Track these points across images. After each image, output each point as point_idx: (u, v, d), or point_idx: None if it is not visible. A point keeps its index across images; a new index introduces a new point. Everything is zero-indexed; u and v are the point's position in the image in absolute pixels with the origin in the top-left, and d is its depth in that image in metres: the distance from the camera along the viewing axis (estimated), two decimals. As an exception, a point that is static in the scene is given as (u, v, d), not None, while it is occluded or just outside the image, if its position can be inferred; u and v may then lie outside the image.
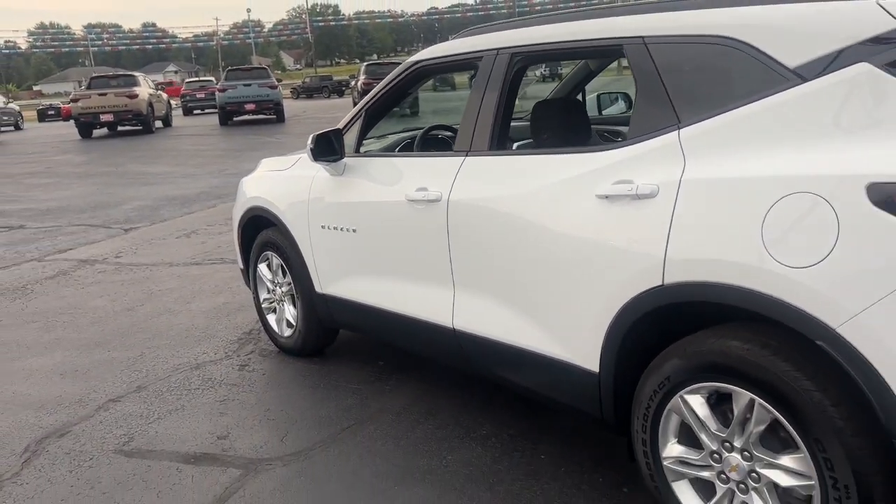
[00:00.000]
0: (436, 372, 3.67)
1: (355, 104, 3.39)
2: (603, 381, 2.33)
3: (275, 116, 22.85)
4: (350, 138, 3.46)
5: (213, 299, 5.22)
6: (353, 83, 32.77)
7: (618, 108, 4.12)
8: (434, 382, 3.60)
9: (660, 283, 2.08)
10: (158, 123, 23.05)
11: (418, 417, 3.26)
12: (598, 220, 2.26)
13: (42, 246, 7.37)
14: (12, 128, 29.37)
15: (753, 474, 2.00)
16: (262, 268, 4.14)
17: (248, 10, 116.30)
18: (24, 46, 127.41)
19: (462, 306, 2.85)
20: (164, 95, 24.56)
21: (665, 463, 2.21)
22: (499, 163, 2.71)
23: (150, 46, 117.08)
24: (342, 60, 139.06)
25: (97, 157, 16.24)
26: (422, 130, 3.80)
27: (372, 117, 3.46)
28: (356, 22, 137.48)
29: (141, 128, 21.42)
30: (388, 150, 3.72)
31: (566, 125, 2.87)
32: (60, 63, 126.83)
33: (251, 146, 16.06)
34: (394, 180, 3.14)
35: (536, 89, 4.45)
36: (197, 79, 40.19)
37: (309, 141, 3.32)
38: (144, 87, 21.44)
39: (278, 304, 4.10)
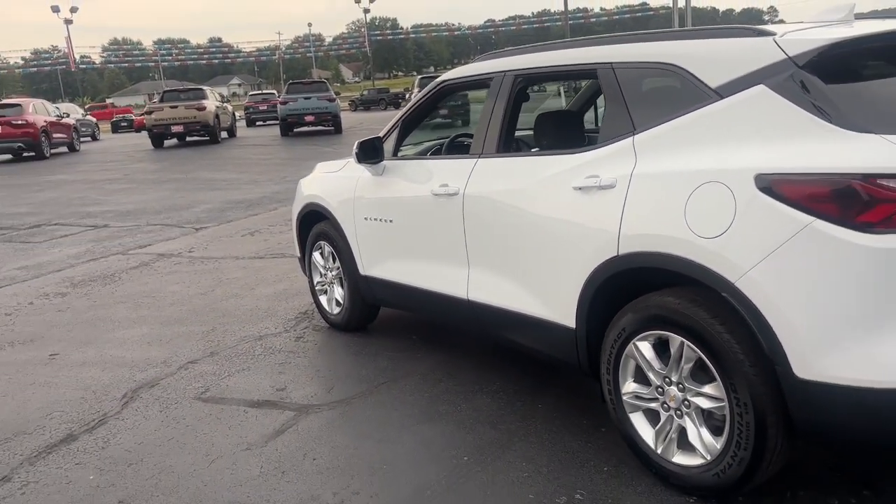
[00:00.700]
0: (457, 345, 4.31)
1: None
2: (579, 335, 2.93)
3: (333, 128, 23.86)
4: (389, 145, 4.15)
5: (274, 286, 5.96)
6: (407, 95, 33.73)
7: None
8: (456, 352, 4.23)
9: (615, 253, 2.68)
10: (224, 134, 24.33)
11: (441, 377, 3.91)
12: (573, 206, 2.88)
13: (125, 242, 8.29)
14: (90, 138, 31.21)
15: (686, 402, 2.58)
16: (316, 255, 4.85)
17: (309, 25, 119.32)
18: (98, 61, 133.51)
19: (474, 281, 3.48)
20: (230, 107, 25.88)
21: (624, 398, 2.80)
22: (503, 163, 3.35)
23: (216, 61, 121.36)
24: (399, 73, 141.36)
25: (169, 165, 17.44)
26: (449, 138, 4.46)
27: (407, 127, 4.14)
28: (413, 36, 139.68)
29: (208, 138, 22.69)
30: (421, 155, 4.38)
31: (559, 132, 3.49)
32: (132, 77, 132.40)
33: (310, 155, 16.98)
34: (422, 179, 3.80)
35: (554, 102, 5.06)
36: (259, 91, 41.88)
37: (354, 147, 4.02)
38: (212, 100, 22.73)
39: (329, 286, 4.80)
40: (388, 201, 4.03)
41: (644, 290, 2.69)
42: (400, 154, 4.21)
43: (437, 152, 4.39)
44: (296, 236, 5.10)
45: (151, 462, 3.20)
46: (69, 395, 4.00)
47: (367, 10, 61.66)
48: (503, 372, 3.90)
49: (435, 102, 4.04)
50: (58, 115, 22.49)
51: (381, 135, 4.13)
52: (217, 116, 22.48)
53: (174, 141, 23.48)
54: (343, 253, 4.47)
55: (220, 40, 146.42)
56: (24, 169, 18.33)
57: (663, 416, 2.68)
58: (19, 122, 19.79)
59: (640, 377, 2.75)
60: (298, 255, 5.15)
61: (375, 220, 4.13)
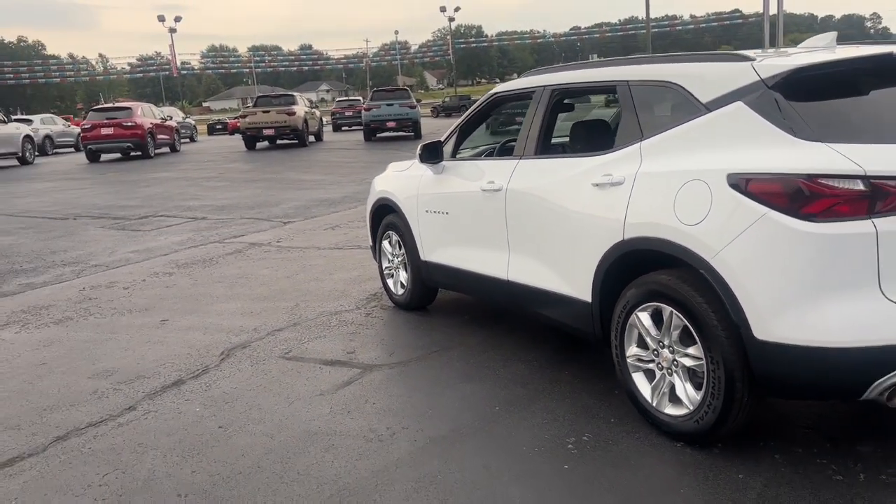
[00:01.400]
0: (502, 323, 4.92)
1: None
2: (594, 308, 3.51)
3: (413, 133, 24.80)
4: (449, 148, 4.80)
5: (350, 272, 6.71)
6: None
7: None
8: (500, 329, 4.84)
9: (621, 238, 3.25)
10: (312, 138, 25.63)
11: (485, 348, 4.53)
12: (591, 199, 3.45)
13: (221, 232, 9.26)
14: (189, 140, 33.31)
15: (675, 362, 3.12)
16: (385, 244, 5.55)
17: (396, 33, 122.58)
18: (197, 67, 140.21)
19: (513, 264, 4.09)
20: (317, 113, 27.22)
21: (628, 360, 3.35)
22: (538, 163, 3.95)
23: (306, 68, 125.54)
24: (483, 80, 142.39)
25: (260, 166, 18.69)
26: (501, 143, 5.07)
27: (464, 132, 4.79)
28: (496, 44, 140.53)
29: (297, 141, 24.01)
30: (476, 157, 5.02)
31: (589, 138, 4.04)
32: (227, 82, 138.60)
33: (389, 159, 17.74)
34: (474, 177, 4.43)
35: (600, 112, 5.63)
36: (346, 98, 43.46)
37: (418, 149, 4.69)
38: (301, 106, 24.05)
39: (395, 270, 5.49)
40: (446, 196, 4.68)
41: (645, 269, 3.24)
42: (458, 156, 4.86)
43: (490, 154, 5.01)
44: (369, 227, 5.82)
45: (244, 401, 3.95)
46: (177, 351, 4.82)
47: (451, 19, 62.79)
48: (538, 345, 4.48)
49: (488, 111, 4.68)
50: (162, 118, 24.26)
51: (441, 139, 4.79)
52: (305, 121, 23.76)
53: (265, 143, 24.91)
54: (407, 241, 5.15)
55: (310, 47, 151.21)
56: (133, 167, 19.97)
57: (658, 374, 3.22)
58: (129, 123, 21.54)
59: (641, 342, 3.29)
60: (370, 244, 5.87)
61: (434, 212, 4.79)
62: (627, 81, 3.46)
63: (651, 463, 3.06)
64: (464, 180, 4.53)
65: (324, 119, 29.79)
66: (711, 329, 2.88)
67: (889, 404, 2.66)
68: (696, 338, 2.97)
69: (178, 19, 59.71)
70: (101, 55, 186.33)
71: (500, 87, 4.48)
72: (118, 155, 22.91)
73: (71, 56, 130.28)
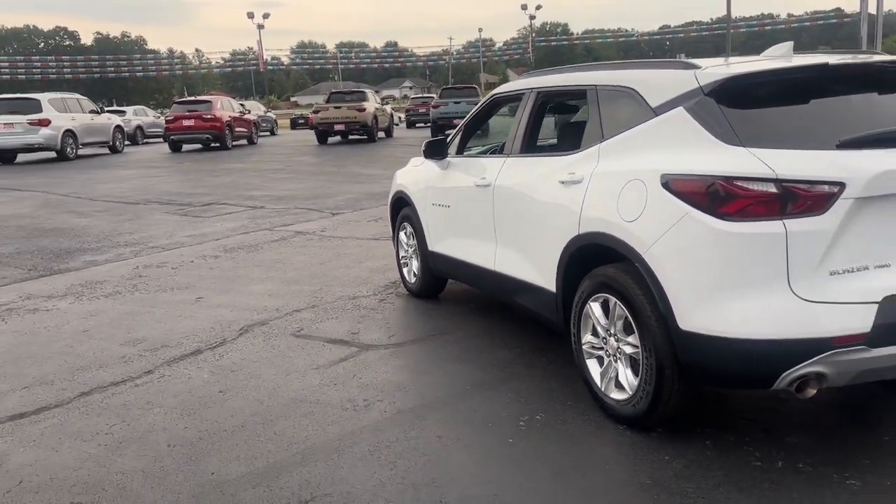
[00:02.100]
0: (502, 314, 5.18)
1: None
2: (558, 298, 3.75)
3: (479, 130, 25.07)
4: (455, 144, 5.10)
5: (379, 262, 7.09)
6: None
7: None
8: (498, 318, 5.11)
9: (577, 232, 3.48)
10: (381, 134, 26.28)
11: (480, 334, 4.81)
12: (557, 196, 3.69)
13: (273, 221, 9.82)
14: (269, 133, 34.61)
15: (619, 350, 3.34)
16: (402, 235, 5.90)
17: (480, 30, 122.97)
18: (286, 62, 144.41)
19: (499, 255, 4.36)
20: (388, 109, 27.87)
21: (584, 347, 3.58)
22: (521, 161, 4.20)
23: (388, 65, 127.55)
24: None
25: (327, 160, 19.39)
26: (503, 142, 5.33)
27: (468, 130, 5.07)
28: (577, 42, 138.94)
29: (366, 137, 24.69)
30: (483, 154, 5.30)
31: (570, 137, 4.24)
32: (314, 77, 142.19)
33: (451, 156, 18.20)
34: (471, 173, 4.72)
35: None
36: (420, 95, 44.16)
37: (423, 145, 5.01)
38: (371, 103, 24.73)
39: (409, 259, 5.83)
40: (448, 190, 4.99)
41: (598, 262, 3.46)
42: (466, 153, 5.15)
43: (494, 152, 5.28)
44: (390, 218, 6.18)
45: (247, 371, 4.36)
46: (204, 325, 5.30)
47: (532, 17, 62.77)
48: (528, 334, 4.73)
49: (489, 112, 4.95)
50: (241, 112, 25.40)
51: (444, 137, 5.10)
52: (375, 117, 24.40)
53: (337, 138, 25.72)
54: (418, 232, 5.48)
55: (395, 44, 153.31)
56: (210, 157, 21.05)
57: (606, 360, 3.44)
58: (208, 116, 22.70)
59: (594, 331, 3.52)
60: (392, 234, 6.23)
61: (439, 205, 5.10)
62: (596, 86, 3.68)
63: (591, 442, 3.29)
64: (463, 176, 4.83)
65: (399, 116, 30.36)
66: (645, 319, 3.09)
67: (799, 395, 2.82)
68: (635, 328, 3.18)
69: (266, 16, 61.92)
70: (197, 50, 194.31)
71: (499, 89, 4.75)
72: (199, 146, 24.14)
73: (170, 51, 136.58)
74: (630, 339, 3.25)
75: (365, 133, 24.35)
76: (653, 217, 3.02)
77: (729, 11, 31.23)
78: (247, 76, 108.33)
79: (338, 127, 23.82)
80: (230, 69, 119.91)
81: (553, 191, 3.74)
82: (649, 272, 3.03)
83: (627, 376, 3.30)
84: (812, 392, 2.81)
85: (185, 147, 24.11)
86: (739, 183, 2.75)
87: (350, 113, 23.52)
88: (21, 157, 21.18)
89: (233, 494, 2.98)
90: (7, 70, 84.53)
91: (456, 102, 24.47)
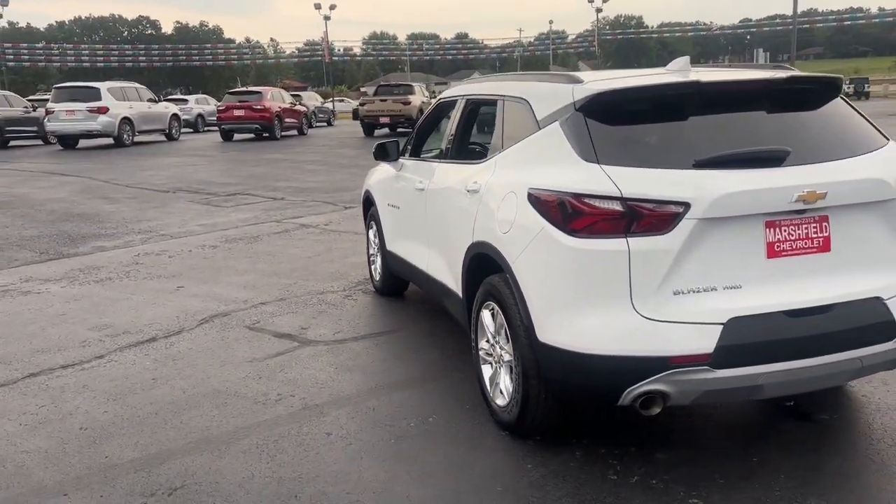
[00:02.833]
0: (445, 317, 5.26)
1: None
2: (464, 303, 3.82)
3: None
4: (410, 147, 5.20)
5: (362, 257, 7.23)
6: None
7: None
8: (445, 321, 5.19)
9: (472, 240, 3.54)
10: (429, 126, 26.42)
11: (426, 334, 4.91)
12: (463, 203, 3.76)
13: (285, 213, 10.10)
14: (325, 124, 35.26)
15: (501, 357, 3.39)
16: (370, 233, 6.04)
17: (550, 22, 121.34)
18: (358, 53, 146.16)
19: (430, 258, 4.45)
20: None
21: (480, 353, 3.65)
22: (448, 167, 4.27)
23: (451, 56, 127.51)
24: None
25: (364, 152, 19.65)
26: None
27: (420, 133, 5.16)
28: (652, 35, 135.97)
29: (411, 130, 24.86)
30: (427, 158, 5.35)
31: (480, 146, 4.29)
32: (384, 68, 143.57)
33: (488, 151, 18.24)
34: (416, 175, 4.80)
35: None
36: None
37: (373, 147, 5.13)
38: (418, 96, 24.92)
39: (375, 258, 5.96)
40: (398, 192, 5.09)
41: (490, 270, 3.51)
42: (422, 155, 5.23)
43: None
44: (363, 218, 6.32)
45: (187, 360, 4.58)
46: (170, 314, 5.57)
47: (599, 10, 61.66)
48: (468, 338, 4.80)
49: (439, 115, 5.02)
50: (291, 103, 25.95)
51: (397, 140, 5.21)
52: (420, 111, 24.53)
53: (385, 130, 26.02)
54: (379, 231, 5.61)
55: (466, 36, 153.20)
56: (255, 147, 21.63)
57: (494, 365, 3.50)
58: (258, 107, 23.31)
59: (486, 337, 3.58)
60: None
61: (392, 206, 5.21)
62: (503, 97, 3.72)
63: (469, 446, 3.36)
64: (410, 178, 4.92)
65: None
66: (516, 329, 3.14)
67: (643, 412, 2.83)
68: (509, 335, 3.23)
69: (332, 7, 62.75)
70: (272, 39, 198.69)
71: (442, 94, 4.82)
72: (251, 135, 24.82)
73: (247, 40, 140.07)
74: (507, 346, 3.30)
75: (409, 126, 24.51)
76: (519, 230, 3.06)
77: (795, 8, 30.02)
78: (320, 66, 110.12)
79: (383, 119, 24.12)
80: (306, 58, 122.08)
81: (461, 198, 3.81)
82: (515, 284, 3.08)
83: (506, 383, 3.35)
84: (657, 410, 2.82)
85: (237, 136, 24.82)
86: (587, 200, 2.77)
87: (395, 106, 23.79)
88: (82, 143, 22.28)
89: (113, 478, 3.18)
90: (87, 58, 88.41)
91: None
